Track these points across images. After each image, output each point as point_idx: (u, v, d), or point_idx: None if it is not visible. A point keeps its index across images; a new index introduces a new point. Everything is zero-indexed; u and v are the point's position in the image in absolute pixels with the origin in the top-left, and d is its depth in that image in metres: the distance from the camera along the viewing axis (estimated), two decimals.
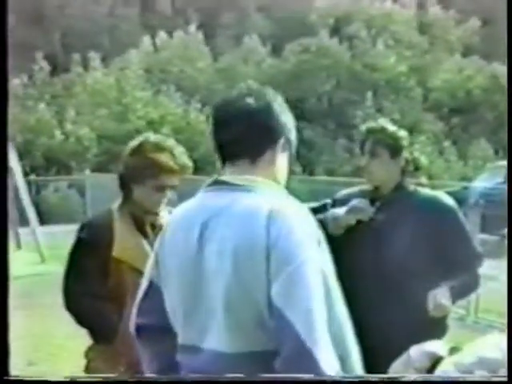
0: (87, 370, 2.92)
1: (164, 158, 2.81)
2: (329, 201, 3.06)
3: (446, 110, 26.90)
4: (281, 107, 2.00)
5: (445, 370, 1.49)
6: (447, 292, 2.71)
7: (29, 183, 14.30)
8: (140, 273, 2.66)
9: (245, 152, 1.95)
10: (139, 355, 2.15)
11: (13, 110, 22.53)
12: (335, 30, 29.14)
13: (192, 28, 29.05)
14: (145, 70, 26.42)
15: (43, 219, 14.15)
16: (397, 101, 26.40)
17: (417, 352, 1.56)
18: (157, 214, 2.90)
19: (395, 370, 1.57)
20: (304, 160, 24.00)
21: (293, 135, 2.04)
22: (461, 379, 1.47)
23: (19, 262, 11.59)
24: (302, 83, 26.08)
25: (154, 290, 2.04)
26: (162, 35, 28.72)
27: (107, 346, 2.79)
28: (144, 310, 2.07)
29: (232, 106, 1.98)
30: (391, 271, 2.82)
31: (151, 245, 2.82)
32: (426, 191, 3.04)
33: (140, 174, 2.81)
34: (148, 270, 2.09)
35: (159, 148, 2.85)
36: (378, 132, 2.95)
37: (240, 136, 1.94)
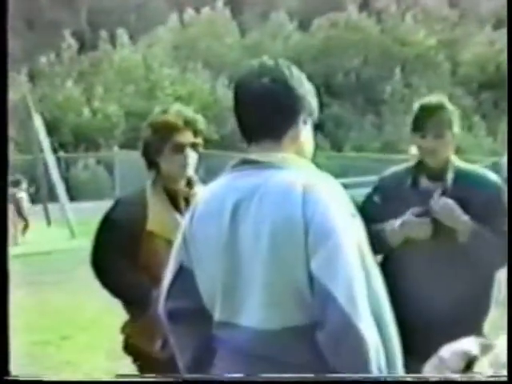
0: (125, 345, 2.94)
1: (171, 117, 2.87)
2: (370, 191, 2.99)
3: (475, 84, 26.57)
4: (297, 81, 1.96)
5: (482, 371, 1.45)
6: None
7: (58, 160, 14.40)
8: (173, 245, 2.67)
9: (267, 132, 1.94)
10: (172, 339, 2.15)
11: (40, 88, 22.74)
12: (364, 5, 28.86)
13: (219, 4, 28.93)
14: (172, 47, 26.43)
15: (72, 195, 14.26)
16: (425, 75, 26.14)
17: (448, 352, 1.49)
18: (189, 183, 2.92)
19: (428, 372, 1.54)
20: (332, 136, 23.90)
21: (313, 104, 2.01)
22: (461, 379, 1.45)
23: (49, 238, 11.73)
24: (330, 59, 25.91)
25: (184, 272, 2.03)
26: (189, 11, 28.64)
27: (143, 321, 2.81)
28: (175, 293, 2.06)
29: (248, 88, 1.96)
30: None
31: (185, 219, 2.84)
32: (475, 168, 2.98)
33: (156, 142, 2.86)
34: (176, 251, 2.08)
35: (165, 113, 2.92)
36: (439, 110, 2.85)
37: (260, 118, 1.94)
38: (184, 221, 2.12)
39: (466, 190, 2.80)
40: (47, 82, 24.15)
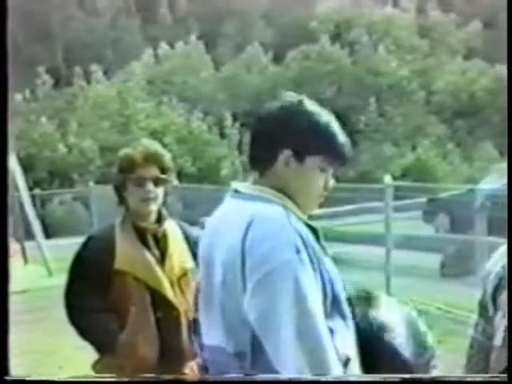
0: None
1: (132, 151, 2.91)
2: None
3: (449, 112, 26.89)
4: (297, 118, 1.96)
5: None
6: None
7: (33, 197, 14.30)
8: (142, 283, 2.68)
9: (254, 165, 2.00)
10: (142, 364, 2.18)
11: (16, 126, 22.67)
12: (336, 36, 29.19)
13: (193, 38, 29.11)
14: (147, 82, 26.50)
15: (49, 232, 14.16)
16: (400, 105, 26.42)
17: None
18: (158, 219, 2.92)
19: None
20: None
21: (317, 147, 1.95)
22: (461, 379, 1.49)
23: (26, 276, 11.58)
24: (305, 90, 26.06)
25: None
26: (163, 46, 28.78)
27: (112, 358, 2.80)
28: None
29: (252, 121, 2.05)
30: None
31: (154, 255, 2.84)
32: None
33: (120, 177, 2.90)
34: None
35: (132, 148, 2.95)
36: None
37: (250, 150, 2.01)
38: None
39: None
40: (23, 119, 24.08)
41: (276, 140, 1.94)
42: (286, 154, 1.93)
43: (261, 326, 1.76)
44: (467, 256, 8.82)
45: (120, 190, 2.93)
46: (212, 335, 1.94)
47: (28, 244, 13.34)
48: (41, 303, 9.05)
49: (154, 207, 2.89)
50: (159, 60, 28.54)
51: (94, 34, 30.17)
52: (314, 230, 1.90)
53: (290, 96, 2.03)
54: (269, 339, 1.75)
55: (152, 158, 2.88)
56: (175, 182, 2.86)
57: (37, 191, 18.28)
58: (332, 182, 2.00)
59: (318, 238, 1.90)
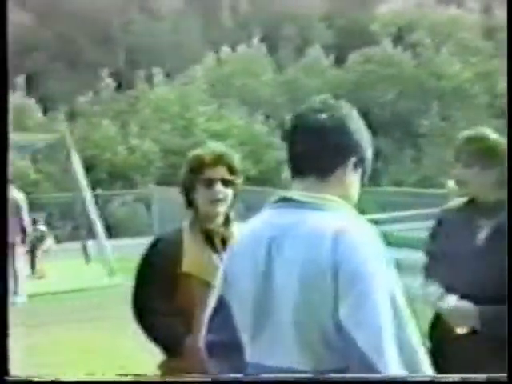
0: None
1: (201, 152, 2.90)
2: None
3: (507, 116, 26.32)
4: (356, 124, 1.96)
5: None
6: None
7: (95, 197, 14.52)
8: (209, 286, 2.66)
9: (314, 169, 1.91)
10: (209, 369, 2.13)
11: (78, 128, 23.08)
12: (398, 39, 28.90)
13: (255, 41, 29.20)
14: (208, 85, 26.68)
15: (110, 233, 14.34)
16: (463, 108, 25.98)
17: None
18: (226, 222, 2.91)
19: None
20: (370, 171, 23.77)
21: (368, 153, 1.99)
22: (461, 379, 1.50)
23: (89, 275, 11.77)
24: (366, 93, 25.90)
25: (223, 306, 2.03)
26: (224, 49, 28.95)
27: (177, 361, 2.80)
28: (214, 326, 2.05)
29: (304, 121, 1.93)
30: None
31: (221, 259, 2.81)
32: None
33: (189, 178, 2.89)
34: (217, 286, 2.08)
35: (199, 149, 2.96)
36: (476, 141, 2.83)
37: (310, 152, 1.91)
38: (225, 255, 2.11)
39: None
40: (85, 121, 24.54)
41: (346, 147, 1.92)
42: (353, 161, 1.93)
43: (370, 341, 1.70)
44: None
45: (188, 191, 2.92)
46: (277, 356, 1.85)
47: (90, 243, 13.54)
48: (103, 302, 9.19)
49: (222, 209, 2.89)
50: (220, 63, 28.72)
51: (156, 37, 30.55)
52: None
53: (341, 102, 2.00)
54: (378, 355, 1.69)
55: (221, 160, 2.87)
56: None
57: (99, 192, 18.58)
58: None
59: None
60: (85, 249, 13.60)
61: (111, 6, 30.93)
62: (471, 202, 2.84)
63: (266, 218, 1.93)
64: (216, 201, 2.86)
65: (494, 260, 2.69)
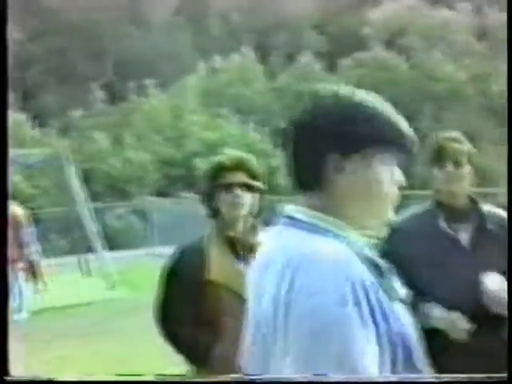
0: None
1: (220, 157, 2.92)
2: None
3: (507, 118, 26.41)
4: (332, 115, 1.57)
5: None
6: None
7: (92, 210, 14.46)
8: (235, 294, 2.60)
9: (300, 183, 1.61)
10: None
11: (72, 141, 23.05)
12: (390, 43, 28.95)
13: (246, 49, 29.24)
14: (201, 95, 26.70)
15: (107, 245, 14.28)
16: (456, 110, 26.02)
17: None
18: (251, 229, 2.87)
19: None
20: None
21: (367, 139, 1.57)
22: (461, 379, 1.45)
23: (90, 288, 11.69)
24: None
25: None
26: (216, 58, 28.99)
27: (207, 372, 2.78)
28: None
29: (291, 127, 1.63)
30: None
31: (246, 266, 2.75)
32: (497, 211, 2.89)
33: (209, 185, 2.90)
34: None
35: (217, 156, 2.98)
36: (458, 142, 2.86)
37: (292, 165, 1.62)
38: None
39: (490, 232, 2.77)
40: (78, 135, 24.51)
41: (320, 143, 1.55)
42: (334, 158, 1.55)
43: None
44: None
45: (209, 199, 2.92)
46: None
47: (86, 257, 13.47)
48: (105, 315, 9.13)
49: (242, 213, 2.88)
50: (212, 72, 28.75)
51: (147, 48, 30.58)
52: (380, 269, 1.54)
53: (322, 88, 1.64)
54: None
55: (240, 164, 2.89)
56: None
57: (94, 205, 18.51)
58: (401, 177, 1.62)
59: (384, 278, 1.53)
60: (81, 263, 13.53)
61: (102, 19, 30.95)
62: (437, 206, 2.87)
63: (270, 235, 1.68)
64: (237, 204, 2.85)
65: (485, 260, 2.71)
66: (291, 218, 1.59)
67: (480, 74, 27.47)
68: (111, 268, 12.08)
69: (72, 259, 13.72)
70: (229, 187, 2.85)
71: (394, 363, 1.48)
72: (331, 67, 28.82)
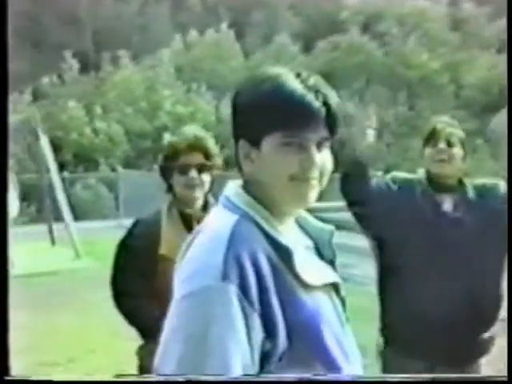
0: (138, 368, 2.94)
1: (175, 139, 2.92)
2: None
3: (478, 107, 26.65)
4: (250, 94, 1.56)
5: None
6: None
7: (61, 179, 14.35)
8: None
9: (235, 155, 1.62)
10: None
11: (43, 109, 22.78)
12: (366, 28, 29.00)
13: (223, 26, 29.06)
14: (175, 69, 26.50)
15: (75, 215, 14.21)
16: (429, 98, 26.21)
17: None
18: (205, 207, 2.92)
19: None
20: (337, 157, 23.93)
21: (267, 124, 1.50)
22: (460, 379, 1.46)
23: (54, 258, 11.64)
24: (334, 81, 25.98)
25: None
26: (192, 33, 28.78)
27: (156, 345, 2.82)
28: None
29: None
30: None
31: None
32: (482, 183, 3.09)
33: (166, 165, 2.92)
34: None
35: (176, 136, 2.98)
36: (452, 126, 3.05)
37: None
38: None
39: (478, 203, 2.94)
40: (50, 102, 24.23)
41: (235, 128, 1.58)
42: (242, 146, 1.56)
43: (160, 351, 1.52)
44: None
45: (166, 177, 2.95)
46: None
47: (55, 226, 13.40)
48: (69, 285, 9.08)
49: (199, 194, 2.90)
50: (188, 47, 28.54)
51: (123, 19, 30.24)
52: (285, 252, 1.48)
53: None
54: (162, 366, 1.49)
55: (196, 146, 2.88)
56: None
57: (66, 174, 18.39)
58: (315, 156, 1.50)
59: (288, 262, 1.47)
60: (51, 231, 13.45)
61: None
62: (427, 179, 3.00)
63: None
64: (192, 186, 2.87)
65: (468, 228, 2.85)
66: (227, 198, 1.60)
67: (453, 63, 27.66)
68: (78, 238, 12.05)
69: (40, 228, 13.64)
70: (184, 169, 2.86)
71: (288, 350, 1.42)
72: (307, 49, 28.79)
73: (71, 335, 6.74)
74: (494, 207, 2.88)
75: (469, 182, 3.02)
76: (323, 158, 1.53)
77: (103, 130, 22.98)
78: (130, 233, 2.96)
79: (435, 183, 2.97)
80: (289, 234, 1.55)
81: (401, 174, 3.13)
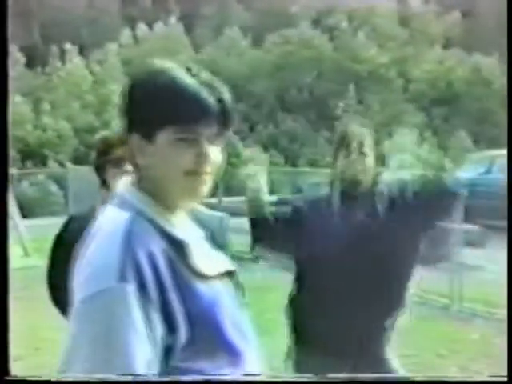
0: None
1: (107, 134, 2.97)
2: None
3: (426, 101, 27.02)
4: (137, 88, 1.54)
5: None
6: None
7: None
8: None
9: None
10: None
11: None
12: (316, 22, 29.14)
13: (172, 19, 28.90)
14: (124, 63, 26.28)
15: (23, 213, 14.02)
16: (378, 92, 26.47)
17: None
18: None
19: None
20: (286, 151, 24.00)
21: (160, 118, 1.49)
22: (460, 379, 1.45)
23: None
24: (284, 75, 26.05)
25: None
26: (141, 27, 28.55)
27: None
28: None
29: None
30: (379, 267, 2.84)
31: None
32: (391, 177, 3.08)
33: (99, 160, 2.90)
34: None
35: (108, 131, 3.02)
36: (363, 135, 2.98)
37: None
38: None
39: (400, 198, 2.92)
40: None
41: (127, 124, 1.57)
42: (134, 139, 1.55)
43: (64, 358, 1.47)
44: (441, 242, 8.89)
45: (100, 172, 2.92)
46: None
47: None
48: (17, 283, 8.95)
49: None
50: (137, 41, 28.32)
51: (71, 12, 29.84)
52: (180, 245, 1.49)
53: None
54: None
55: (124, 139, 2.87)
56: None
57: (12, 171, 18.08)
58: (209, 151, 1.49)
59: (184, 255, 1.49)
60: None
61: None
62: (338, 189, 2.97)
63: None
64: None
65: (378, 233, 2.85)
66: (118, 196, 1.64)
67: (401, 57, 28.01)
68: (27, 236, 11.89)
69: None
70: (117, 162, 2.81)
71: (191, 342, 1.43)
72: (257, 42, 28.80)
73: (17, 333, 6.64)
74: (429, 200, 2.92)
75: (388, 180, 3.01)
76: (216, 153, 1.52)
77: (51, 125, 22.68)
78: (65, 229, 2.94)
79: (348, 187, 2.95)
80: (183, 227, 1.56)
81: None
